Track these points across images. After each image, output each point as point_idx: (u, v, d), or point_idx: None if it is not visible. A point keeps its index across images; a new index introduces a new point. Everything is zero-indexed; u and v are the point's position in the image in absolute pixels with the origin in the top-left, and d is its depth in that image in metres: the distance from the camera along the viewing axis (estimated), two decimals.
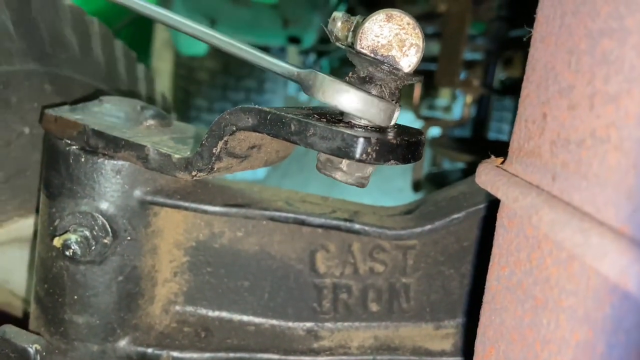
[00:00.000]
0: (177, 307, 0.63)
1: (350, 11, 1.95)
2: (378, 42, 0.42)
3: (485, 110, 1.59)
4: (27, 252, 0.71)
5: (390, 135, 0.42)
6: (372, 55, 0.42)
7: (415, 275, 0.64)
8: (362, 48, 0.42)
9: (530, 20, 0.41)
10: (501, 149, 0.47)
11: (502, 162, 0.42)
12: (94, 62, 0.77)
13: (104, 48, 0.80)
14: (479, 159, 1.23)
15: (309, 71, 0.43)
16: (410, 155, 0.43)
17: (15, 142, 0.63)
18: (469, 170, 1.37)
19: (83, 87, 0.74)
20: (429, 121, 1.45)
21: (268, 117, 0.42)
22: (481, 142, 1.51)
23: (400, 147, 0.42)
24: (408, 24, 0.42)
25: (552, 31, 0.35)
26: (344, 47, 0.46)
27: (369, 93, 0.41)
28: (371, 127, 0.43)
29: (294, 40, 2.17)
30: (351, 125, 0.43)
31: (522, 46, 0.43)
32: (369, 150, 0.40)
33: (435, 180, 1.44)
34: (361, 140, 0.39)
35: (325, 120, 0.43)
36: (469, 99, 1.42)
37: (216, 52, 2.81)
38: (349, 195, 1.08)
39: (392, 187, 3.35)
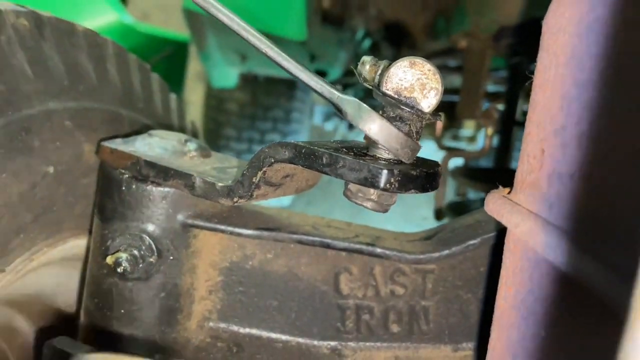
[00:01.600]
0: (211, 324, 0.68)
1: (375, 47, 2.01)
2: (401, 85, 0.48)
3: (508, 140, 1.62)
4: (56, 271, 0.76)
5: (411, 167, 0.47)
6: (395, 96, 0.48)
7: (434, 299, 0.68)
8: (387, 89, 0.48)
9: None
10: None
11: (509, 192, 0.47)
12: (110, 86, 0.76)
13: (119, 69, 0.79)
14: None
15: (353, 100, 0.48)
16: (429, 185, 0.48)
17: (40, 183, 0.64)
18: None
19: (103, 114, 0.74)
20: (451, 152, 1.49)
21: (302, 151, 0.48)
22: (503, 172, 1.54)
23: (420, 177, 0.47)
24: (429, 70, 0.47)
25: (548, 79, 0.40)
26: (370, 87, 0.51)
27: (406, 134, 0.47)
28: (393, 160, 0.48)
29: (320, 73, 2.27)
30: (376, 159, 0.48)
31: None
32: (392, 180, 0.45)
33: (458, 209, 1.47)
34: (385, 171, 0.45)
35: (352, 153, 0.48)
36: (490, 130, 1.47)
37: (245, 84, 2.93)
38: (372, 222, 1.12)
39: (416, 215, 3.37)
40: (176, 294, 0.63)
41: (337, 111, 0.48)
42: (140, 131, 0.68)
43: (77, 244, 0.74)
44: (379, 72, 0.51)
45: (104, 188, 0.61)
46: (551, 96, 0.39)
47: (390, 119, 0.48)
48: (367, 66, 0.52)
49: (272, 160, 0.51)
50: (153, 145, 0.62)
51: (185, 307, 0.64)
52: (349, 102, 0.47)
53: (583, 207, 0.33)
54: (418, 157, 0.53)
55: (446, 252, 0.65)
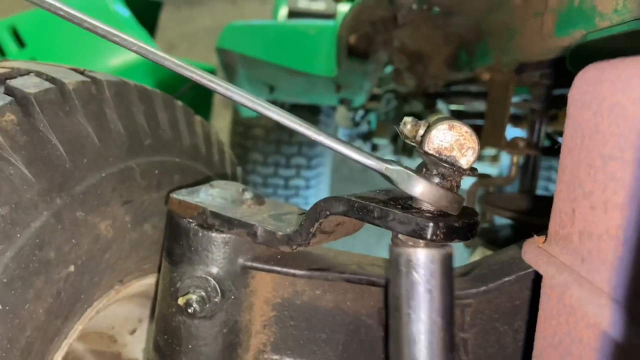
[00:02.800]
0: (266, 356, 0.74)
1: (397, 73, 2.06)
2: (442, 145, 0.54)
3: (533, 166, 1.66)
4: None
5: (454, 219, 0.53)
6: (437, 154, 0.54)
7: (473, 331, 0.73)
8: (429, 150, 0.54)
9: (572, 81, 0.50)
10: (547, 205, 0.56)
11: (543, 241, 0.52)
12: (113, 138, 0.66)
13: (119, 113, 0.68)
14: (528, 215, 1.30)
15: (401, 170, 0.54)
16: (469, 234, 0.54)
17: (65, 287, 0.58)
18: (518, 227, 1.44)
19: (112, 180, 0.65)
20: (480, 179, 1.54)
21: (355, 205, 0.55)
22: (529, 199, 1.57)
23: (462, 228, 0.53)
24: (466, 132, 0.54)
25: (575, 146, 0.45)
26: (412, 144, 0.58)
27: (448, 189, 0.53)
28: (437, 212, 0.54)
29: (346, 101, 2.35)
30: (421, 211, 0.54)
31: (566, 103, 0.52)
32: (438, 232, 0.51)
33: (485, 235, 1.51)
34: (432, 225, 0.51)
35: (400, 206, 0.55)
36: (516, 158, 1.51)
37: None
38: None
39: None
40: (236, 330, 0.69)
41: (385, 179, 0.55)
42: (203, 181, 0.75)
43: (106, 303, 0.73)
44: (420, 131, 0.57)
45: (173, 235, 0.69)
46: (578, 162, 0.45)
47: (433, 176, 0.54)
48: (408, 126, 0.58)
49: (328, 213, 0.57)
50: (215, 196, 0.69)
51: (244, 341, 0.71)
52: (396, 171, 0.54)
53: (612, 265, 0.39)
54: None
55: (483, 288, 0.70)
